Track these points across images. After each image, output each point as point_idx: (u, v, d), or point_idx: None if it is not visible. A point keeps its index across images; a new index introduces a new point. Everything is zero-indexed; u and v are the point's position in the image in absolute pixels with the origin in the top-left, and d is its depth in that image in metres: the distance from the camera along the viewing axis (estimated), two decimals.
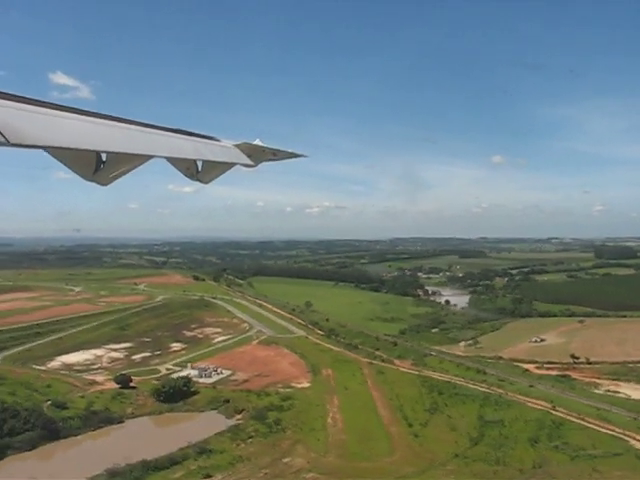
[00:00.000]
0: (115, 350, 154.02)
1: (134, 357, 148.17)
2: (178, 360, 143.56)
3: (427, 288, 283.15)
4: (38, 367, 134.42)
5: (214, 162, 5.51)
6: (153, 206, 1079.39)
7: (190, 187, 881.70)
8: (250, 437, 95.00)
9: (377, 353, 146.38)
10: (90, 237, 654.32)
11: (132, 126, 4.56)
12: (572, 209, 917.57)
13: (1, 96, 3.40)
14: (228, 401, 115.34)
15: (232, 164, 5.71)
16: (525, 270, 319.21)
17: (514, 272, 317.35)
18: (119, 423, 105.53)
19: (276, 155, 6.14)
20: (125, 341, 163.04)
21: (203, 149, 5.36)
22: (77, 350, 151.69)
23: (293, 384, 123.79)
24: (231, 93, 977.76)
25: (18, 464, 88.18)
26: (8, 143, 2.95)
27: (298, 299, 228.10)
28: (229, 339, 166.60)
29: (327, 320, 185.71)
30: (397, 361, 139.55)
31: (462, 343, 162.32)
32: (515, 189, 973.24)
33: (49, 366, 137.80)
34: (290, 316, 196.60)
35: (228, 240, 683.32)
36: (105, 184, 4.62)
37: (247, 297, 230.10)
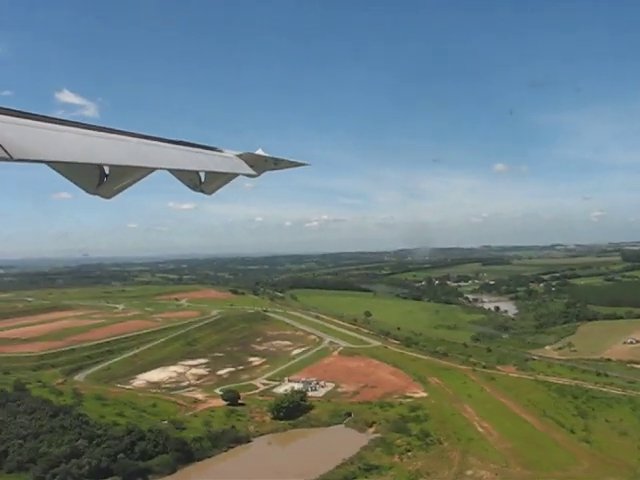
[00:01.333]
0: (194, 366, 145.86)
1: (219, 373, 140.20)
2: (267, 375, 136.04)
3: (466, 296, 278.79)
4: (123, 386, 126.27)
5: (217, 173, 5.45)
6: (152, 224, 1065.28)
7: (189, 204, 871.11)
8: (408, 450, 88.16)
9: (472, 360, 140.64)
10: (91, 258, 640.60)
11: (134, 139, 4.54)
12: (571, 216, 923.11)
13: (3, 112, 3.37)
14: (349, 414, 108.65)
15: (235, 174, 5.63)
16: (557, 275, 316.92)
17: (546, 277, 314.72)
18: (247, 442, 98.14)
19: (278, 164, 6.05)
20: (198, 357, 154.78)
21: (206, 160, 5.34)
22: (155, 367, 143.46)
23: (408, 394, 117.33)
24: (226, 108, 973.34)
25: None
26: (11, 159, 2.95)
27: (346, 310, 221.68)
28: (305, 351, 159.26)
29: (398, 329, 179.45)
30: (499, 367, 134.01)
31: (549, 347, 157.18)
32: (513, 197, 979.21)
33: (135, 385, 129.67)
34: (353, 326, 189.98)
35: (231, 256, 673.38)
36: (109, 197, 4.54)
37: (297, 310, 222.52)
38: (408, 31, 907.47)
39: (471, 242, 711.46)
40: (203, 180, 5.54)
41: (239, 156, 5.89)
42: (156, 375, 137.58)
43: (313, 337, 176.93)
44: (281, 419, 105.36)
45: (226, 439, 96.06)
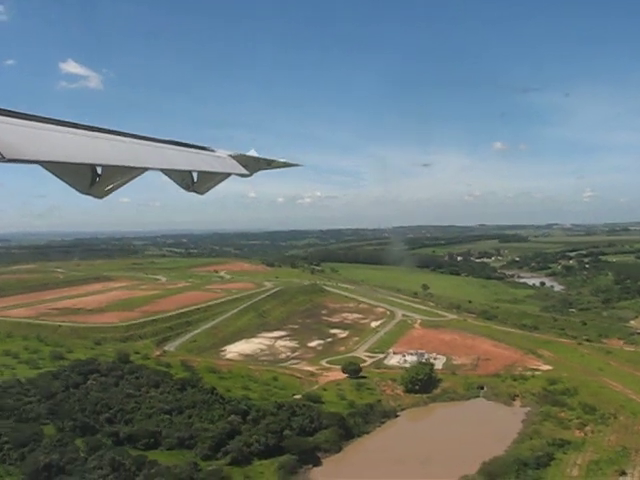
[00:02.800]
0: (277, 338, 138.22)
1: (310, 345, 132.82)
2: (362, 347, 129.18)
3: (501, 271, 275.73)
4: (216, 358, 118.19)
5: (209, 173, 5.43)
6: (145, 199, 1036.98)
7: None
8: (584, 425, 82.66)
9: (569, 334, 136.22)
10: (84, 232, 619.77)
11: (127, 139, 4.55)
12: (564, 196, 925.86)
13: None
14: (482, 387, 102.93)
15: (227, 174, 5.62)
16: (583, 253, 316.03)
17: (572, 255, 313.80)
18: (395, 417, 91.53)
19: (270, 165, 6.14)
20: (274, 329, 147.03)
21: (198, 160, 5.35)
22: (237, 340, 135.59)
23: (531, 367, 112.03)
24: (222, 85, 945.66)
25: (346, 469, 73.25)
26: (4, 159, 2.97)
27: (391, 283, 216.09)
28: (384, 324, 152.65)
29: (470, 302, 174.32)
30: (605, 340, 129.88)
31: (633, 322, 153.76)
32: (506, 177, 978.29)
33: (228, 357, 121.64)
34: (416, 299, 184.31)
35: (226, 232, 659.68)
36: (101, 197, 4.54)
37: (346, 282, 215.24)
38: (406, 15, 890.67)
39: (465, 220, 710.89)
40: (196, 180, 5.41)
41: (232, 156, 5.80)
42: (242, 347, 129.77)
43: (381, 310, 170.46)
44: (415, 392, 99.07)
45: (377, 414, 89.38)
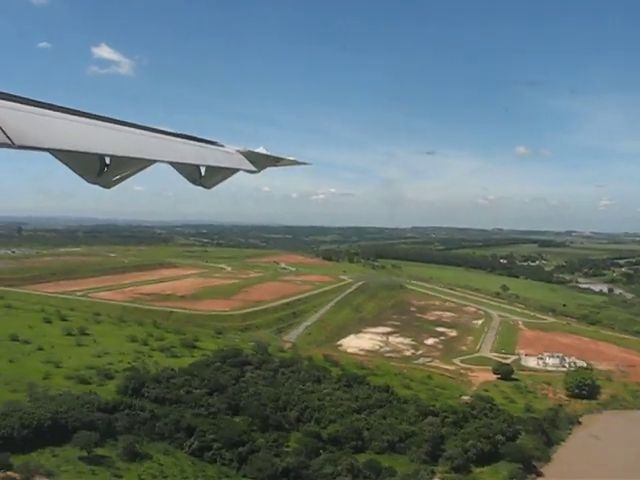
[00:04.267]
0: (385, 334, 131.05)
1: (427, 343, 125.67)
2: (483, 346, 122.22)
3: (558, 276, 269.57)
4: (341, 352, 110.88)
5: (217, 167, 5.47)
6: (160, 189, 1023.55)
7: None
8: None
9: None
10: (97, 219, 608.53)
11: (136, 130, 4.59)
12: (580, 203, 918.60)
13: (6, 98, 3.44)
14: None
15: (235, 170, 5.67)
16: (632, 261, 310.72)
17: (621, 262, 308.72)
18: (578, 424, 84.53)
19: (279, 162, 6.13)
20: (375, 324, 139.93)
21: (206, 154, 5.38)
22: (346, 334, 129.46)
23: None
24: (249, 81, 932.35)
25: None
26: (13, 145, 3.02)
27: (460, 282, 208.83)
28: (485, 324, 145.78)
29: (564, 306, 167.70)
30: None
31: None
32: (520, 182, 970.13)
33: (351, 351, 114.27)
34: (502, 300, 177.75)
35: (243, 224, 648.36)
36: (108, 187, 4.59)
37: (416, 279, 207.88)
38: (420, 13, 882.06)
39: (480, 224, 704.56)
40: (203, 174, 5.46)
41: (240, 152, 5.82)
42: (357, 342, 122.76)
43: (472, 309, 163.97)
44: (581, 398, 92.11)
45: (563, 420, 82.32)
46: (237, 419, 68.90)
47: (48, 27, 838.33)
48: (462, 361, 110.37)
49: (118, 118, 4.49)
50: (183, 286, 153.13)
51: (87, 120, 4.06)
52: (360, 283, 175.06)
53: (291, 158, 6.34)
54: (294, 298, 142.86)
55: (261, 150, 6.07)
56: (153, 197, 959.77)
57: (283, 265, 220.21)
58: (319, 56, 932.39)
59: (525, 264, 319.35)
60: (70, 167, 4.15)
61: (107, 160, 4.39)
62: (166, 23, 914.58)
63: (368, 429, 69.04)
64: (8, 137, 2.98)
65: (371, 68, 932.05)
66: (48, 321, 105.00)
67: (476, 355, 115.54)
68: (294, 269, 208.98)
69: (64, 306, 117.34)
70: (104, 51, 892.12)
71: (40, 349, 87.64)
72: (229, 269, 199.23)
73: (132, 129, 4.56)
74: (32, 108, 3.59)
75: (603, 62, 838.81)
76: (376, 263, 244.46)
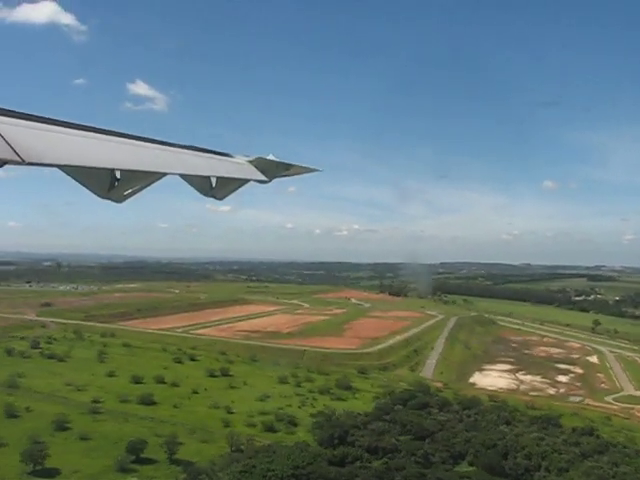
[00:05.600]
0: (510, 372, 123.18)
1: (560, 380, 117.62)
2: (625, 385, 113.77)
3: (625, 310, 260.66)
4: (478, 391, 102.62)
5: (228, 178, 5.46)
6: (181, 225, 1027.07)
7: (225, 206, 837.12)
8: None
9: None
10: (117, 255, 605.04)
11: (145, 143, 4.57)
12: (602, 237, 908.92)
13: (15, 115, 3.43)
14: None
15: (246, 180, 5.63)
16: None
17: None
18: None
19: (289, 170, 6.05)
20: (491, 362, 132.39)
21: (216, 165, 5.35)
22: (471, 371, 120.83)
23: None
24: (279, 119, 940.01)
25: None
26: (23, 162, 2.99)
27: (539, 317, 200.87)
28: (602, 360, 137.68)
29: None
30: None
31: None
32: (545, 217, 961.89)
33: (489, 389, 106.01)
34: (600, 335, 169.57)
35: (266, 261, 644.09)
36: (120, 201, 4.55)
37: (493, 314, 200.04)
38: (435, 35, 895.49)
39: (506, 258, 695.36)
40: (214, 185, 5.42)
41: (250, 162, 5.78)
42: (489, 380, 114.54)
43: (576, 345, 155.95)
44: None
45: None
46: (459, 468, 61.18)
47: (85, 63, 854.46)
48: (615, 399, 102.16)
49: (126, 132, 4.35)
50: (278, 323, 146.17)
51: (96, 135, 3.96)
52: (455, 319, 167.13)
53: (302, 165, 6.02)
54: (406, 335, 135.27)
55: (271, 157, 5.84)
56: (177, 234, 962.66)
57: (354, 300, 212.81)
58: (336, 88, 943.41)
59: (580, 298, 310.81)
60: (81, 182, 4.05)
61: (117, 174, 4.31)
62: (203, 58, 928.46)
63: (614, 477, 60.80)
64: (17, 154, 2.95)
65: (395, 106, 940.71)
66: (179, 361, 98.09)
67: (624, 393, 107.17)
68: (368, 305, 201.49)
69: (182, 345, 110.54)
70: (139, 87, 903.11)
71: (195, 392, 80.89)
72: (306, 305, 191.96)
73: (141, 142, 4.44)
74: (40, 125, 3.52)
75: (628, 95, 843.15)
76: (445, 298, 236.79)
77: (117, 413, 69.88)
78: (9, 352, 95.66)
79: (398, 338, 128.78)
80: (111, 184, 4.34)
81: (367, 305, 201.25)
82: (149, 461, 56.28)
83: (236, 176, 5.45)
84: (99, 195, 4.32)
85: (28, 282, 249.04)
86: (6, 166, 3.01)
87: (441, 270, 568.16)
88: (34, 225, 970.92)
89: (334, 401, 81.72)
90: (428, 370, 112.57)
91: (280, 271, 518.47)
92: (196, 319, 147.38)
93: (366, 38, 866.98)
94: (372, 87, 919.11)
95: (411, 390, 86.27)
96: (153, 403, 74.13)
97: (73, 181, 3.88)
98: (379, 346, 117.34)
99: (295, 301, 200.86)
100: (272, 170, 5.85)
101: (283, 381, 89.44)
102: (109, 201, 4.46)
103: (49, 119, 3.68)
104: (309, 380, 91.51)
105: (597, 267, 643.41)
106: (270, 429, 67.73)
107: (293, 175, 6.20)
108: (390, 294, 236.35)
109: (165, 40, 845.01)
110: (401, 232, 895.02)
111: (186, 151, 5.03)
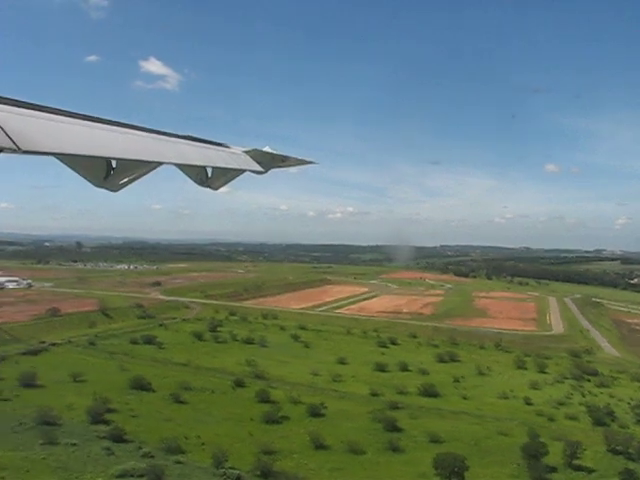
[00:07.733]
0: None
1: None
2: None
3: None
4: None
5: (224, 168, 5.47)
6: (175, 207, 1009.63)
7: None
8: None
9: None
10: (117, 237, 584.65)
11: (142, 133, 4.60)
12: (598, 221, 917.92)
13: (10, 103, 3.45)
14: None
15: (242, 170, 5.66)
16: None
17: None
18: None
19: (285, 161, 6.13)
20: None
21: (212, 156, 5.38)
22: None
23: None
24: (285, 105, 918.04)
25: None
26: (19, 150, 3.03)
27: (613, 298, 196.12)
28: None
29: None
30: None
31: None
32: (537, 200, 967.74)
33: None
34: None
35: (262, 242, 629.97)
36: (115, 190, 4.58)
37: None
38: (441, 28, 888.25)
39: (503, 242, 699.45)
40: (210, 175, 5.47)
41: (246, 152, 5.84)
42: None
43: None
44: None
45: None
46: None
47: (100, 41, 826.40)
48: None
49: (123, 121, 4.37)
50: (401, 304, 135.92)
51: (92, 124, 3.96)
52: (567, 299, 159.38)
53: (298, 157, 6.07)
54: (555, 317, 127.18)
55: (267, 149, 5.89)
56: (170, 214, 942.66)
57: (430, 281, 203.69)
58: (330, 72, 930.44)
59: (635, 281, 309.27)
60: (76, 171, 4.07)
61: (113, 163, 4.31)
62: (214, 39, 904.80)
63: None
64: (14, 142, 2.98)
65: (386, 84, 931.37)
66: (383, 345, 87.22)
67: None
68: (450, 285, 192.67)
69: (354, 326, 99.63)
70: (152, 64, 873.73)
71: (456, 381, 70.25)
72: (394, 286, 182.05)
73: (137, 131, 4.46)
74: (36, 113, 3.53)
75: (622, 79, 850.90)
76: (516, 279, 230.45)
77: (413, 407, 58.87)
78: (198, 337, 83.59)
79: (553, 320, 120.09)
80: (107, 173, 4.24)
81: (448, 286, 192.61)
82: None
83: (232, 166, 5.31)
84: (95, 184, 4.21)
85: (74, 261, 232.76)
86: (1, 154, 2.98)
87: (449, 253, 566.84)
88: (26, 207, 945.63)
89: (599, 388, 72.41)
90: (610, 351, 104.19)
91: (291, 253, 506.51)
92: (309, 300, 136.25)
93: (360, 26, 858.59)
94: (368, 73, 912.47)
95: None
96: (435, 395, 63.29)
97: (64, 166, 3.75)
98: (554, 329, 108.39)
99: (374, 281, 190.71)
100: (268, 161, 5.78)
101: (519, 367, 79.70)
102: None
103: (46, 107, 3.63)
104: (540, 365, 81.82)
105: (597, 251, 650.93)
106: (599, 423, 57.52)
107: (289, 167, 6.11)
108: (455, 274, 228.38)
109: (182, 20, 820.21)
110: (395, 215, 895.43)
111: (182, 141, 4.93)
